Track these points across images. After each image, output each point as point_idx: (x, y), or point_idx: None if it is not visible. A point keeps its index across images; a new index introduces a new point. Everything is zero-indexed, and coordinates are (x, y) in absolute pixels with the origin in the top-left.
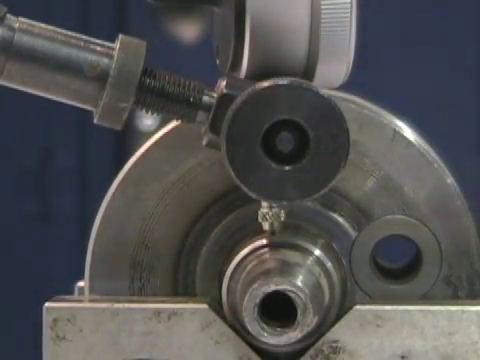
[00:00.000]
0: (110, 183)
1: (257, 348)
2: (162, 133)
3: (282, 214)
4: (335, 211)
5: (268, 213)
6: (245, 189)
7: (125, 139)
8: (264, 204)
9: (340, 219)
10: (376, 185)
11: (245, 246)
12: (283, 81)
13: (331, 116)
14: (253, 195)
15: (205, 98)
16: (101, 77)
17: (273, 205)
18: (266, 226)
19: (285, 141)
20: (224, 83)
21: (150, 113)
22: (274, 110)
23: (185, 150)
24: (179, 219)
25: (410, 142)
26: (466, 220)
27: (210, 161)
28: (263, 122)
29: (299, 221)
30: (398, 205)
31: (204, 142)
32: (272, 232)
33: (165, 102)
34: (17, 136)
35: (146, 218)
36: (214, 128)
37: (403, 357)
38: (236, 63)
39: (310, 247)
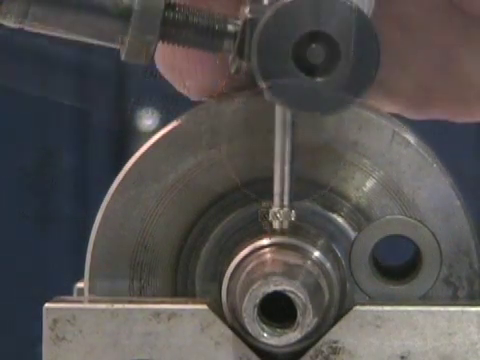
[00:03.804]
0: (110, 184)
1: (257, 349)
2: (162, 133)
3: (292, 213)
4: (334, 212)
5: (279, 211)
6: (279, 103)
7: (125, 139)
8: (275, 203)
9: (340, 220)
10: (375, 186)
11: (245, 247)
12: None
13: (360, 24)
14: (287, 108)
15: (230, 26)
16: (125, 13)
17: (284, 204)
18: (276, 225)
19: (315, 53)
20: (247, 9)
21: (176, 46)
22: (302, 22)
23: (185, 150)
24: (179, 220)
25: (409, 142)
26: (466, 220)
27: (210, 162)
28: (292, 35)
29: (299, 222)
30: (397, 205)
31: (232, 70)
32: (281, 231)
33: (190, 34)
34: (17, 137)
35: (146, 219)
36: (242, 53)
37: (403, 357)
38: None
39: (309, 248)
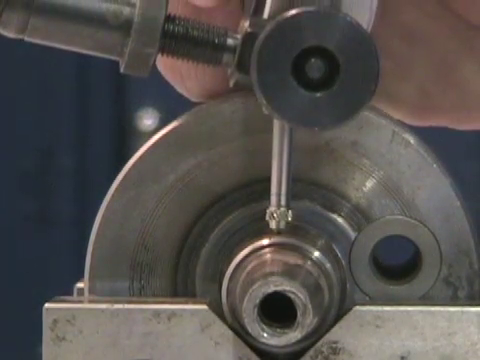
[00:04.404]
0: (110, 184)
1: (257, 349)
2: (162, 134)
3: (289, 213)
4: (334, 212)
5: (276, 211)
6: (278, 117)
7: (125, 139)
8: (273, 203)
9: (339, 220)
10: (375, 186)
11: (245, 247)
12: (310, 8)
13: (360, 40)
14: (286, 122)
15: (229, 40)
16: (125, 25)
17: (281, 204)
18: (273, 225)
19: (315, 68)
20: (247, 23)
21: (176, 58)
22: (302, 37)
23: (184, 151)
24: (178, 220)
25: (409, 142)
26: (465, 220)
27: (209, 162)
28: (292, 49)
29: (298, 222)
30: (397, 206)
31: (231, 83)
32: (278, 231)
33: (190, 47)
34: (17, 137)
35: (145, 219)
36: (241, 67)
37: (403, 358)
38: (258, 8)
39: (309, 248)
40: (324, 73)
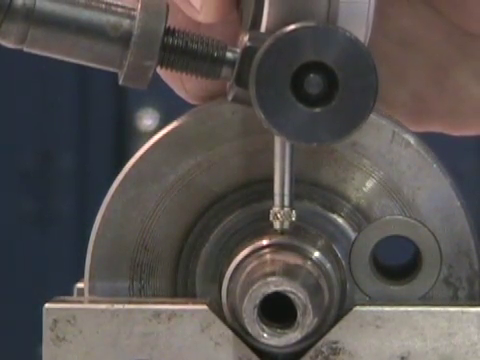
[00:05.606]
0: (110, 184)
1: (257, 349)
2: (161, 134)
3: (293, 214)
4: (334, 212)
5: (279, 212)
6: (276, 132)
7: (125, 139)
8: (276, 203)
9: (340, 220)
10: (375, 186)
11: (245, 247)
12: (309, 23)
13: (358, 56)
14: (285, 138)
15: (229, 54)
16: (124, 38)
17: (285, 205)
18: (277, 225)
19: (314, 83)
20: (247, 37)
21: (175, 71)
22: (301, 52)
23: (184, 151)
24: (179, 220)
25: (409, 143)
26: (466, 220)
27: (209, 162)
28: (291, 64)
29: (299, 222)
30: (398, 206)
31: (230, 97)
32: (282, 231)
33: (189, 60)
34: (17, 138)
35: (145, 219)
36: (240, 81)
37: (403, 358)
38: (256, 21)
39: (310, 248)
40: (323, 88)
